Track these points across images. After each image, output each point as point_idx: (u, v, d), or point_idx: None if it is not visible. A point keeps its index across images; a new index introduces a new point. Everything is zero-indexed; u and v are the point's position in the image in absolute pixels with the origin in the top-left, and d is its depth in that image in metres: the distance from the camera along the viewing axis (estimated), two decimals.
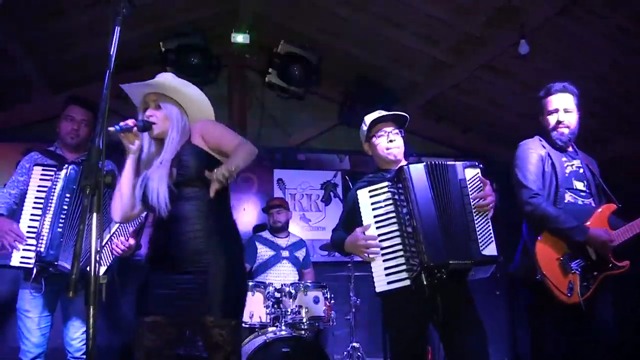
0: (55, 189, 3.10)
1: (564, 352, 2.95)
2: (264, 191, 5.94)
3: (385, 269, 2.58)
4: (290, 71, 5.62)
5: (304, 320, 4.09)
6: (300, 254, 4.95)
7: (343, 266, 4.68)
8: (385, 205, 2.66)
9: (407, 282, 2.55)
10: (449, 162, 2.69)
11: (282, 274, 4.73)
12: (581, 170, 3.15)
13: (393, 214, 2.64)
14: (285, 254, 4.85)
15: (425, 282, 2.49)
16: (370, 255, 2.61)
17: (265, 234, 4.96)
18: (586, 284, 2.94)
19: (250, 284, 4.08)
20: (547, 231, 2.98)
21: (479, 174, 2.67)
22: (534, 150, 3.14)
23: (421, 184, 2.59)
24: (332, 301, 4.28)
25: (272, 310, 4.04)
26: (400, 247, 2.60)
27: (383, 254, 2.60)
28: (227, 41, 5.43)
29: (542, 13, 3.97)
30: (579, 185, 3.11)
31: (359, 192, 2.71)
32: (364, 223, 2.66)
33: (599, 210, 3.06)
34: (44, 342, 3.15)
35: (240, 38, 5.35)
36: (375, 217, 2.66)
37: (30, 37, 4.41)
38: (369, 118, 2.94)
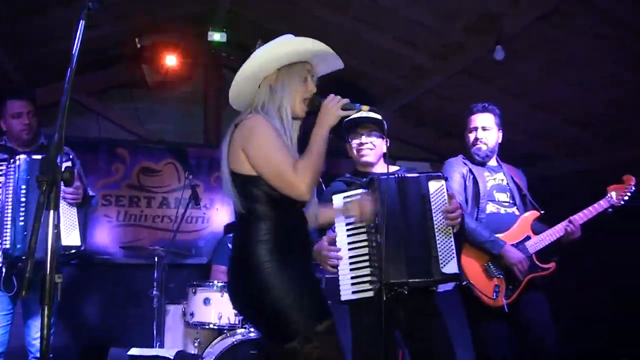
0: (10, 183, 3.03)
1: (503, 354, 3.07)
2: None
3: (352, 277, 2.60)
4: None
5: None
6: None
7: (314, 268, 4.64)
8: None
9: (371, 294, 2.56)
10: (412, 175, 2.70)
11: None
12: (504, 183, 3.34)
13: (364, 223, 2.62)
14: None
15: (385, 298, 2.49)
16: (330, 268, 2.62)
17: None
18: (512, 287, 3.08)
19: (220, 284, 4.02)
20: (467, 243, 3.11)
21: (444, 187, 2.66)
22: (456, 169, 3.32)
23: (389, 197, 2.59)
24: None
25: None
26: (367, 257, 2.60)
27: (351, 263, 2.61)
28: (204, 39, 5.37)
29: (522, 19, 3.96)
30: (502, 196, 3.28)
31: (334, 196, 2.70)
32: (336, 228, 2.65)
33: (523, 217, 3.23)
34: (4, 341, 3.07)
35: (217, 36, 5.28)
36: (347, 224, 2.65)
37: (6, 32, 4.31)
38: (346, 119, 2.84)
